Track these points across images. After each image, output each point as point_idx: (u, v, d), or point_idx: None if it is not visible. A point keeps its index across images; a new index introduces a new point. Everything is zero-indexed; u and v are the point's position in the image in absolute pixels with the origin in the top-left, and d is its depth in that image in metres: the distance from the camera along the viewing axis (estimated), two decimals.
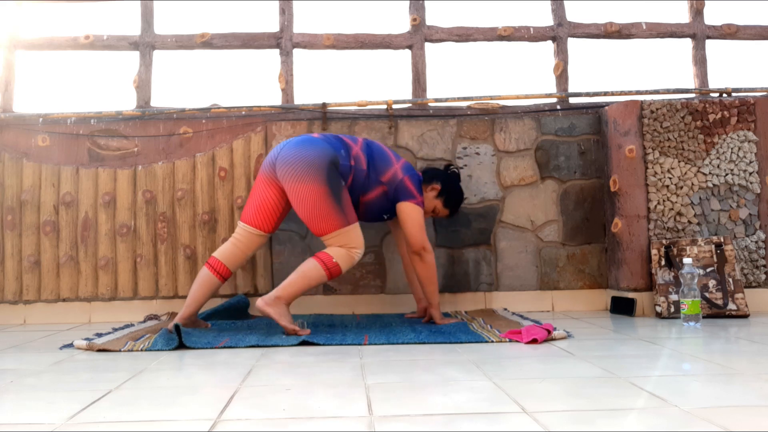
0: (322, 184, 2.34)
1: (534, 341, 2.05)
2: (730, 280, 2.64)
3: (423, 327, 2.43)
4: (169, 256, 2.96)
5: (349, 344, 2.11)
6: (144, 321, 2.82)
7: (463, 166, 3.02)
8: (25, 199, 2.95)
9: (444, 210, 2.65)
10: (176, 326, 2.17)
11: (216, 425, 1.20)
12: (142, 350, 2.07)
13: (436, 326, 2.44)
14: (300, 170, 2.36)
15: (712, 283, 2.64)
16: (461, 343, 2.09)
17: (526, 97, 3.10)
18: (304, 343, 2.11)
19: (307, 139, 2.45)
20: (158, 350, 2.07)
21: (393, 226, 2.79)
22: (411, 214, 2.48)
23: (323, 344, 2.10)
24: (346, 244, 2.37)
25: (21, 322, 2.93)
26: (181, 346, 2.09)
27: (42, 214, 2.96)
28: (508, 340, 2.11)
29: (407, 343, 2.10)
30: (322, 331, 2.38)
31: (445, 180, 2.64)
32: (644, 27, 3.23)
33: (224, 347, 2.09)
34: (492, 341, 2.10)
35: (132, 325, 2.69)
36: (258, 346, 2.10)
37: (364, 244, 2.44)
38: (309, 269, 2.33)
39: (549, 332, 2.10)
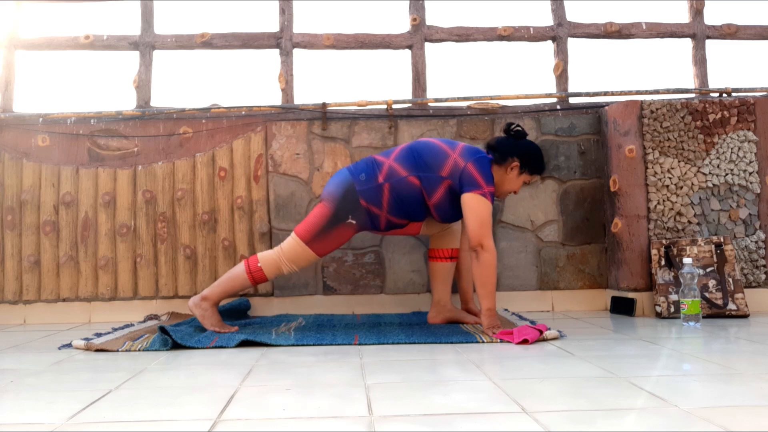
0: (328, 209, 2.39)
1: (525, 342, 2.05)
2: (730, 280, 2.64)
3: (415, 327, 2.42)
4: (169, 256, 2.96)
5: (339, 344, 2.11)
6: (144, 321, 2.82)
7: None
8: (25, 199, 2.95)
9: (533, 177, 2.42)
10: (161, 327, 2.18)
11: (216, 425, 1.20)
12: (140, 350, 2.07)
13: (429, 326, 2.43)
14: (322, 196, 2.47)
15: (712, 283, 2.64)
16: (452, 343, 2.09)
17: (526, 97, 3.10)
18: (293, 344, 2.11)
19: (336, 174, 2.47)
20: (156, 350, 2.07)
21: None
22: (473, 207, 2.25)
23: (313, 345, 2.11)
24: (287, 253, 2.41)
25: (21, 322, 2.93)
26: (177, 345, 2.10)
27: (42, 214, 2.96)
28: (499, 340, 2.11)
29: (398, 343, 2.10)
30: (315, 330, 2.38)
31: (520, 150, 2.36)
32: (644, 27, 3.23)
33: (215, 347, 2.10)
34: (484, 341, 2.10)
35: (132, 325, 2.69)
36: (247, 341, 2.12)
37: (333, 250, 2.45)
38: (235, 273, 2.43)
39: (541, 332, 2.10)
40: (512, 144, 2.38)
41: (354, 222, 2.38)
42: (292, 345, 2.11)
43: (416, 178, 2.34)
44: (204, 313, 2.40)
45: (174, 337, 2.12)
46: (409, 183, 2.34)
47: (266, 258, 2.42)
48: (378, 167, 2.38)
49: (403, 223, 2.45)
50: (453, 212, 2.41)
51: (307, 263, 2.44)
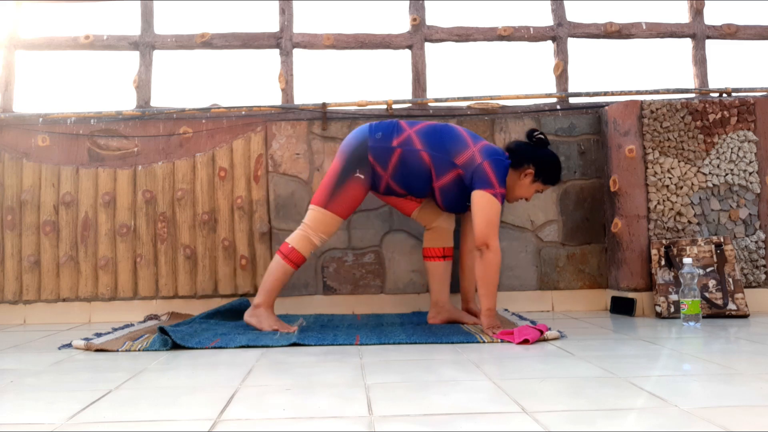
0: (339, 163, 2.43)
1: (525, 342, 2.05)
2: (730, 280, 2.64)
3: (416, 327, 2.42)
4: (169, 256, 2.96)
5: (340, 344, 2.11)
6: (144, 321, 2.82)
7: None
8: (25, 199, 2.95)
9: (546, 187, 2.43)
10: (161, 328, 2.17)
11: (216, 425, 1.20)
12: (139, 350, 2.07)
13: (430, 326, 2.43)
14: (339, 149, 2.50)
15: (712, 283, 2.64)
16: (453, 343, 2.09)
17: (526, 97, 3.10)
18: (293, 344, 2.11)
19: (356, 129, 2.49)
20: (156, 350, 2.07)
21: (463, 219, 2.64)
22: (483, 206, 2.23)
23: (314, 345, 2.10)
24: (311, 224, 2.41)
25: (21, 322, 2.93)
26: (176, 346, 2.09)
27: (42, 214, 2.96)
28: (500, 340, 2.11)
29: (398, 343, 2.10)
30: (316, 330, 2.38)
31: (537, 158, 2.36)
32: (644, 27, 3.23)
33: (215, 347, 2.09)
34: (484, 341, 2.10)
35: (132, 325, 2.69)
36: (248, 346, 2.10)
37: (338, 238, 2.43)
38: (273, 266, 2.43)
39: (541, 332, 2.10)
40: (531, 150, 2.38)
41: (362, 177, 2.39)
42: (293, 345, 2.10)
43: (428, 156, 2.35)
44: (259, 318, 2.39)
45: (174, 337, 2.11)
46: (420, 157, 2.36)
47: (294, 237, 2.42)
48: (398, 132, 2.40)
49: (401, 193, 2.47)
50: (456, 201, 2.41)
51: (333, 227, 2.42)
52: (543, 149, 2.40)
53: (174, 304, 2.94)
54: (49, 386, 1.57)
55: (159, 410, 1.32)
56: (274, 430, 1.16)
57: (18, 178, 2.98)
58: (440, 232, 2.60)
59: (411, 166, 2.37)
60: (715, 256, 2.68)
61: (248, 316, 2.42)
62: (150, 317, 2.86)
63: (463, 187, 2.36)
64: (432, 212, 2.58)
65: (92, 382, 1.61)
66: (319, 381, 1.57)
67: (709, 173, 2.82)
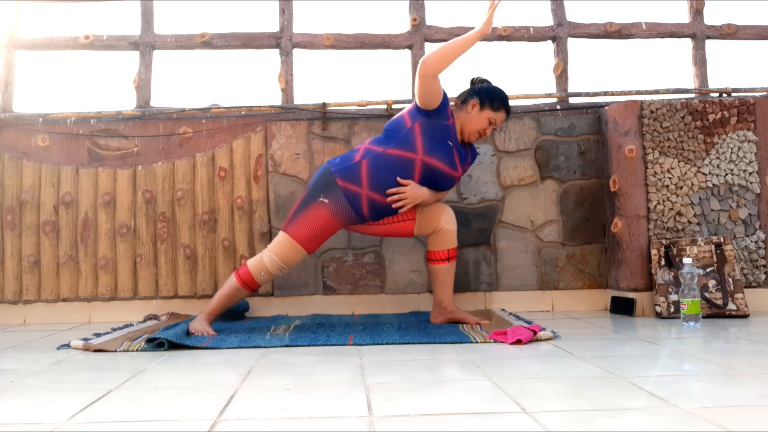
0: (305, 192, 2.52)
1: (518, 342, 2.05)
2: (730, 280, 2.64)
3: (411, 327, 2.42)
4: (169, 256, 2.96)
5: (333, 345, 2.10)
6: (144, 321, 2.82)
7: None
8: (25, 199, 2.95)
9: (497, 114, 2.53)
10: (149, 339, 2.14)
11: (216, 425, 1.20)
12: (137, 350, 2.07)
13: (424, 327, 2.43)
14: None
15: (711, 283, 2.64)
16: (446, 343, 2.09)
17: (526, 97, 3.10)
18: (286, 345, 2.10)
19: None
20: (154, 350, 2.06)
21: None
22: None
23: (307, 345, 2.10)
24: (273, 248, 2.46)
25: (21, 322, 2.93)
26: (173, 345, 2.09)
27: (42, 214, 2.96)
28: (492, 341, 2.11)
29: (390, 344, 2.09)
30: (311, 331, 2.38)
31: (478, 91, 2.56)
32: (644, 27, 3.23)
33: (208, 347, 2.09)
34: (477, 341, 2.10)
35: (131, 325, 2.69)
36: (240, 347, 2.09)
37: (307, 256, 2.49)
38: (226, 283, 2.49)
39: (534, 333, 2.10)
40: (472, 88, 2.60)
41: (326, 201, 2.43)
42: (286, 346, 2.10)
43: (392, 147, 2.45)
44: (199, 326, 2.38)
45: (168, 337, 2.10)
46: (386, 155, 2.45)
47: (253, 259, 2.47)
48: (354, 151, 2.53)
49: (387, 203, 2.46)
50: (437, 144, 2.47)
51: (289, 253, 2.44)
52: (485, 84, 2.61)
53: (174, 304, 2.94)
54: (49, 386, 1.57)
55: (159, 410, 1.32)
56: (274, 430, 1.17)
57: (18, 178, 2.98)
58: (444, 235, 2.58)
59: (384, 166, 2.44)
60: (715, 256, 2.68)
61: (189, 326, 2.38)
62: (149, 317, 2.86)
63: (431, 128, 2.43)
64: (431, 218, 2.56)
65: (92, 382, 1.61)
66: (319, 381, 1.57)
67: (709, 173, 2.82)
